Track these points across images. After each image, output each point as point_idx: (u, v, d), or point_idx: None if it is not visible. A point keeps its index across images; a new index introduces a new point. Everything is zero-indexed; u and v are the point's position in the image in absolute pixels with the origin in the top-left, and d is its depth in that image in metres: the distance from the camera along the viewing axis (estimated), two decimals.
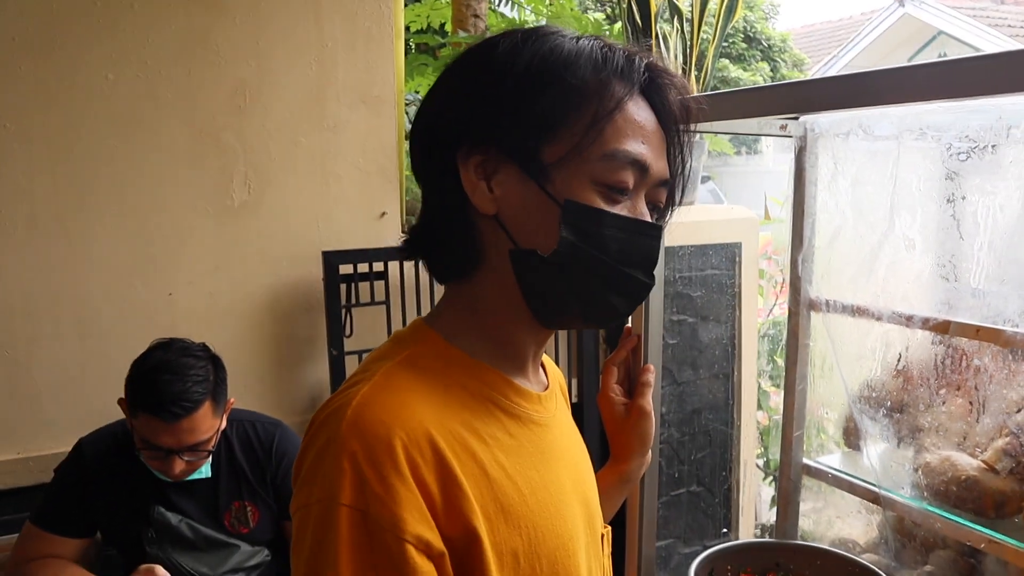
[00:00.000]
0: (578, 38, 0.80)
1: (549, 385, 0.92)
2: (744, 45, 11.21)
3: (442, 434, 0.73)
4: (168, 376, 1.66)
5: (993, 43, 7.85)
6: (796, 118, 1.25)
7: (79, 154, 2.19)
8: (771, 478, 3.50)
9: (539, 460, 0.82)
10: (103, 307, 2.26)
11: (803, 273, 1.29)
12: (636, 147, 0.78)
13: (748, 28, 11.12)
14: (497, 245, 0.80)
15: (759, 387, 3.25)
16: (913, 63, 0.95)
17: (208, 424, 1.70)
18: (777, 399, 3.46)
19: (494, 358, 0.83)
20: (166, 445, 1.67)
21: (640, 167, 0.78)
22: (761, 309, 3.32)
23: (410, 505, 0.68)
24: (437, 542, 0.70)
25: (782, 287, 3.37)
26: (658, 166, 0.81)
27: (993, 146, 1.02)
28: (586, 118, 0.77)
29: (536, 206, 0.77)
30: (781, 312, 3.62)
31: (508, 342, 0.84)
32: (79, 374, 2.24)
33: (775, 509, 3.66)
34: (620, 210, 0.78)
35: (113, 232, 2.25)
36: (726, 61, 10.94)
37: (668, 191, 0.85)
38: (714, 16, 2.77)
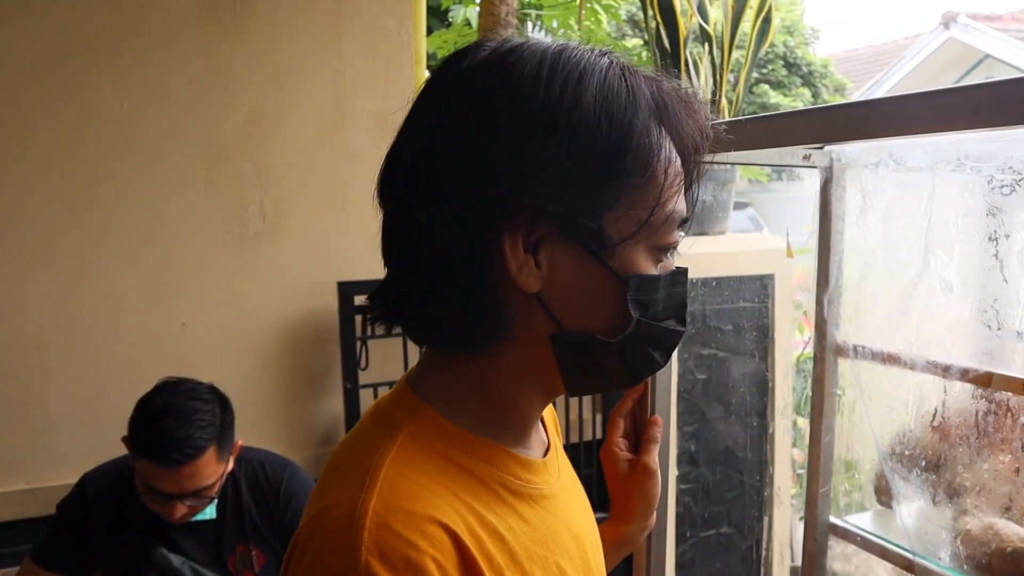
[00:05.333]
0: (605, 67, 0.66)
1: (548, 439, 0.83)
2: (784, 71, 11.04)
3: (467, 537, 0.63)
4: (171, 420, 1.60)
5: None
6: (821, 147, 1.15)
7: (93, 183, 2.17)
8: None
9: (554, 543, 0.72)
10: (116, 338, 2.23)
11: (829, 315, 1.19)
12: (681, 203, 0.69)
13: (788, 53, 10.95)
14: (528, 322, 0.68)
15: (795, 423, 3.11)
16: (949, 86, 0.86)
17: (211, 470, 1.64)
18: None
19: (496, 429, 0.73)
20: (167, 490, 1.62)
21: (685, 223, 0.70)
22: (798, 342, 3.19)
23: None
24: None
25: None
26: (687, 212, 0.71)
27: None
28: (656, 178, 0.66)
29: (596, 285, 0.67)
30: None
31: (516, 413, 0.74)
32: (90, 406, 2.21)
33: None
34: (662, 268, 0.70)
35: (128, 262, 2.22)
36: (766, 87, 10.79)
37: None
38: (746, 40, 2.69)
